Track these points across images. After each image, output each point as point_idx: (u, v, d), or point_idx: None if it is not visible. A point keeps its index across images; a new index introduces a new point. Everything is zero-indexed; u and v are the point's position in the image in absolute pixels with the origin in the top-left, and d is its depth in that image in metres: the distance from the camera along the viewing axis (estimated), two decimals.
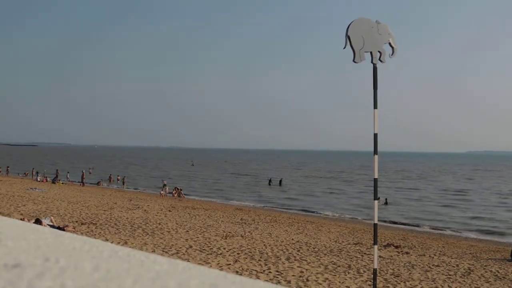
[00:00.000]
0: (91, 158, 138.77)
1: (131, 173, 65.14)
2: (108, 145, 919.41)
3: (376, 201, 7.19)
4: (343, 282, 11.20)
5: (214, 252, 13.80)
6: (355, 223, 26.75)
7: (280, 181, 54.66)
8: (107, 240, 14.54)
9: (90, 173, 50.83)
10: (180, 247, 14.13)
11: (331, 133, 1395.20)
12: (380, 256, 14.70)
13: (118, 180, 50.53)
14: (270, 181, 54.98)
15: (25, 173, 54.67)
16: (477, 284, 12.07)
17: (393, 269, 13.12)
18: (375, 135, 7.07)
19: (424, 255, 15.91)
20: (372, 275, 10.14)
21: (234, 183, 55.80)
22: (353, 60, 6.93)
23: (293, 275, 11.56)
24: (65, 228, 15.13)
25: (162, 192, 37.90)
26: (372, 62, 7.03)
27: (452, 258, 15.66)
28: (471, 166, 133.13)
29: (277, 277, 11.29)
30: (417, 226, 27.82)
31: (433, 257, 15.57)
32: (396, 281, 11.79)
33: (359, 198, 41.51)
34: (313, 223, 24.09)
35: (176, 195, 38.09)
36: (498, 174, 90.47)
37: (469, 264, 14.77)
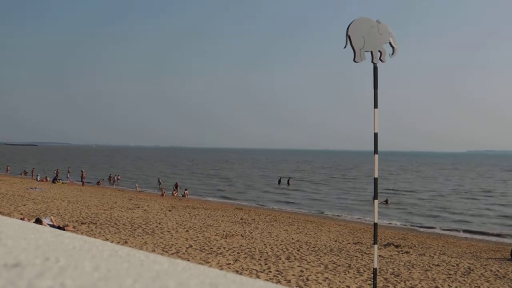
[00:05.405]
0: (86, 158, 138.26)
1: (131, 173, 65.15)
2: (108, 144, 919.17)
3: (376, 201, 7.20)
4: (343, 282, 11.20)
5: (214, 251, 13.80)
6: (355, 223, 26.74)
7: (288, 180, 54.56)
8: (107, 239, 14.55)
9: (69, 172, 50.14)
10: (180, 247, 14.13)
11: (331, 132, 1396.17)
12: (380, 256, 14.71)
13: (118, 180, 50.32)
14: (280, 180, 54.90)
15: (25, 172, 54.70)
16: (477, 284, 12.06)
17: (393, 269, 13.12)
18: (375, 135, 7.07)
19: (424, 255, 15.90)
20: (372, 275, 10.15)
21: (235, 183, 55.69)
22: (354, 60, 6.93)
23: (293, 275, 11.56)
24: (65, 228, 15.14)
25: (163, 191, 37.84)
26: (372, 61, 7.03)
27: (452, 258, 15.66)
28: (448, 165, 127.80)
29: (277, 277, 11.29)
30: (415, 225, 27.77)
31: (433, 257, 15.57)
32: (396, 280, 11.79)
33: (359, 197, 41.48)
34: (313, 222, 24.08)
35: (176, 194, 38.06)
36: (461, 173, 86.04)
37: (469, 263, 14.77)
